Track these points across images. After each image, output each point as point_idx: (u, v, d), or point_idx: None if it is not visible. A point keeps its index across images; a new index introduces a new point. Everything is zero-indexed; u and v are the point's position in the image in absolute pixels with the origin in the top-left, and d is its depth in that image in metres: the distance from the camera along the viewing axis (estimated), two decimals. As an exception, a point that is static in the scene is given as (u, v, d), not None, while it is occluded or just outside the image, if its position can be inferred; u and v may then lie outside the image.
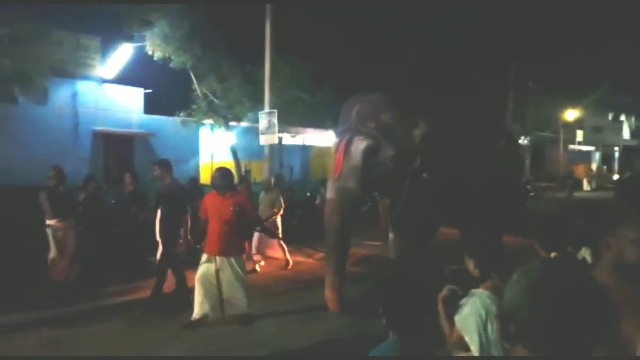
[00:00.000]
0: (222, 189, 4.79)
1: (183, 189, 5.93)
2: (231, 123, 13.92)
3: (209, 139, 15.47)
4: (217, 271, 4.72)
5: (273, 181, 7.90)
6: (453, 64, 18.98)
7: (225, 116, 13.51)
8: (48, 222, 5.73)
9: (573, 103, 25.85)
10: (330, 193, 4.97)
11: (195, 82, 13.06)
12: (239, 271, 4.79)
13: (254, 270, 7.00)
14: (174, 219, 5.52)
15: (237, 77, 13.09)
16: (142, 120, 14.61)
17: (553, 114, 26.10)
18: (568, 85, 22.92)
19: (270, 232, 6.27)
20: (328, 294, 4.82)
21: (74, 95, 13.14)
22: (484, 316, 2.19)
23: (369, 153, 4.75)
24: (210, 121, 13.86)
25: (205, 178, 14.84)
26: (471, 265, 2.50)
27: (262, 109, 11.49)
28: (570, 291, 0.95)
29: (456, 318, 2.27)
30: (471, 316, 2.20)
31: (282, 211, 7.32)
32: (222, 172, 4.90)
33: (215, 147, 15.43)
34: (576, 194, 21.00)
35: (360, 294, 5.36)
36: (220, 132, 14.25)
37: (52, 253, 5.73)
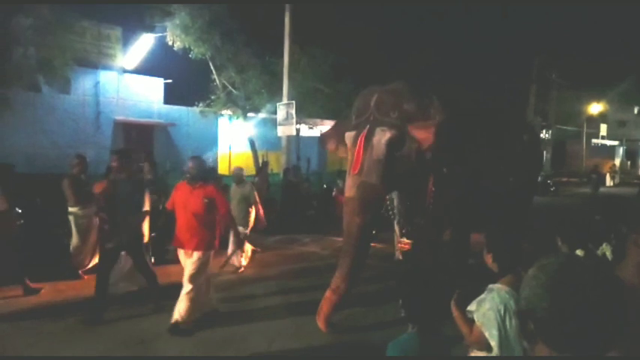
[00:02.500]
0: (193, 179, 4.45)
1: (142, 183, 5.29)
2: (250, 114, 13.98)
3: (227, 129, 15.58)
4: (184, 267, 4.42)
5: (244, 173, 7.14)
6: (475, 57, 18.69)
7: (243, 107, 13.58)
8: (70, 209, 5.85)
9: (597, 96, 25.28)
10: (349, 190, 4.40)
11: (214, 72, 13.13)
12: (197, 268, 4.35)
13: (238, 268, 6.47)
14: (137, 217, 4.88)
15: (256, 68, 13.12)
16: (161, 110, 14.78)
17: (576, 108, 25.59)
18: (592, 78, 22.42)
19: (238, 237, 5.40)
20: (324, 307, 4.30)
21: (96, 85, 13.36)
22: (502, 311, 2.19)
23: (393, 145, 4.29)
24: (229, 111, 13.95)
25: (223, 168, 14.97)
26: (489, 259, 2.49)
27: (280, 100, 11.52)
28: (590, 287, 0.94)
29: (476, 314, 2.26)
30: (491, 312, 2.20)
31: (259, 208, 6.69)
32: (196, 161, 4.56)
33: (233, 137, 15.53)
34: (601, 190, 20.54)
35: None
36: (238, 123, 14.33)
37: (75, 240, 5.84)
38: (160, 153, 13.53)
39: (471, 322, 2.31)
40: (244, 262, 6.59)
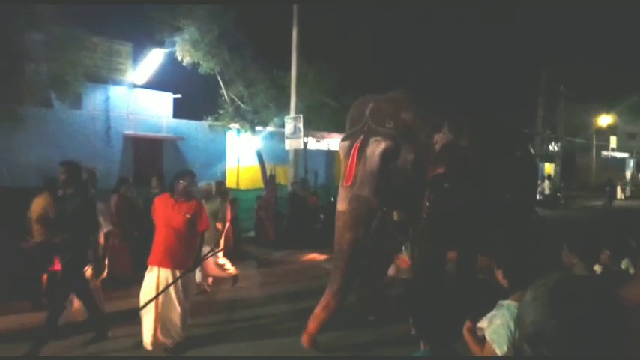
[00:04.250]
0: (183, 195, 4.25)
1: (92, 198, 4.71)
2: (258, 127, 14.07)
3: (235, 143, 15.68)
4: (157, 286, 4.09)
5: (214, 187, 6.76)
6: (479, 70, 18.74)
7: (251, 121, 13.68)
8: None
9: (606, 108, 25.13)
10: (341, 204, 4.18)
11: (222, 87, 13.27)
12: (180, 289, 4.14)
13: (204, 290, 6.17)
14: (82, 239, 4.36)
15: (264, 82, 13.24)
16: (170, 124, 14.92)
17: (585, 120, 25.44)
18: (601, 90, 22.33)
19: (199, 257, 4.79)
20: (311, 324, 4.08)
21: (106, 100, 13.54)
22: (514, 327, 2.16)
23: (388, 156, 4.09)
24: (237, 125, 14.05)
25: (231, 182, 15.03)
26: (499, 275, 2.47)
27: (288, 113, 11.59)
28: (590, 300, 0.94)
29: (487, 331, 2.24)
30: (502, 328, 2.18)
31: (227, 226, 6.47)
32: (192, 177, 4.40)
33: (241, 151, 15.62)
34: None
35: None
36: (246, 136, 14.42)
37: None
38: (169, 167, 13.63)
39: (481, 339, 2.28)
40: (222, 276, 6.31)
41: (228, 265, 6.26)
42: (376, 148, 4.09)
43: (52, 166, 11.18)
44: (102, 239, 4.58)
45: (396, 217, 4.71)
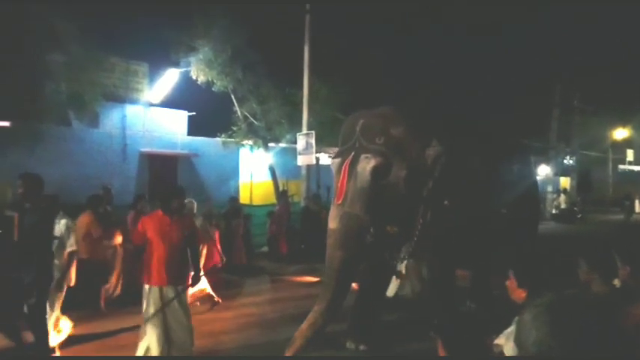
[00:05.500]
0: (174, 211, 4.28)
1: (49, 218, 4.19)
2: (270, 144, 14.23)
3: (249, 159, 15.84)
4: (164, 306, 4.12)
5: (195, 206, 6.45)
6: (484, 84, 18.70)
7: (264, 137, 13.85)
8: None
9: (622, 121, 24.81)
10: (332, 221, 4.14)
11: (236, 104, 13.49)
12: (185, 303, 4.27)
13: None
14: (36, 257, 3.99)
15: (276, 99, 13.43)
16: (185, 141, 15.15)
17: (601, 133, 25.11)
18: (616, 103, 22.08)
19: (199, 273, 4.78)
20: (297, 341, 3.95)
21: (123, 118, 13.84)
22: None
23: (378, 173, 4.01)
24: (250, 142, 14.23)
25: (245, 197, 15.15)
26: (513, 289, 2.48)
27: (300, 130, 11.71)
28: (594, 322, 0.95)
29: (505, 348, 2.23)
30: None
31: (204, 249, 6.16)
32: (178, 192, 4.46)
33: (254, 167, 15.76)
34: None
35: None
36: (259, 152, 14.58)
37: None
38: (183, 183, 13.80)
39: (499, 355, 2.26)
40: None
41: (208, 288, 6.11)
42: (366, 164, 4.03)
43: (71, 183, 11.47)
44: (65, 258, 4.33)
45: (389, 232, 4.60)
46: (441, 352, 1.78)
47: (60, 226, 4.30)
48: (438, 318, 2.05)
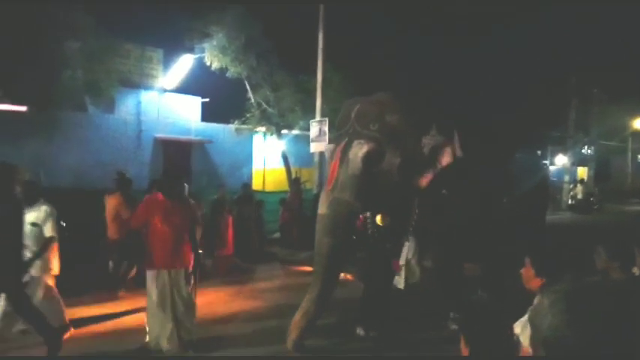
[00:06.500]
0: (176, 194, 4.33)
1: (19, 209, 3.89)
2: (283, 131, 14.24)
3: (262, 146, 15.89)
4: (171, 288, 4.17)
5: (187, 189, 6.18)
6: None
7: (277, 124, 13.85)
8: (111, 223, 6.12)
9: (642, 110, 24.22)
10: (321, 207, 4.08)
11: (249, 91, 13.49)
12: (187, 286, 4.33)
13: None
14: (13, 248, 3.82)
15: (290, 86, 13.39)
16: (199, 128, 15.23)
17: (620, 122, 24.56)
18: (636, 91, 21.53)
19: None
20: (293, 331, 4.01)
21: (138, 104, 13.95)
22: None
23: (370, 160, 3.92)
24: (263, 128, 14.25)
25: (258, 184, 15.23)
26: (529, 276, 2.46)
27: (313, 117, 11.68)
28: (610, 312, 0.95)
29: (522, 337, 2.22)
30: None
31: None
32: (176, 176, 4.48)
33: (267, 154, 15.82)
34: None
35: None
36: (272, 139, 14.60)
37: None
38: (197, 169, 13.95)
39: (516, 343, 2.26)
40: None
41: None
42: (358, 151, 3.95)
43: (87, 169, 11.66)
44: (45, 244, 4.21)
45: (380, 223, 4.56)
46: (464, 349, 1.71)
47: (40, 213, 4.23)
48: (457, 311, 2.04)
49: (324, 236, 4.02)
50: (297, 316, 4.04)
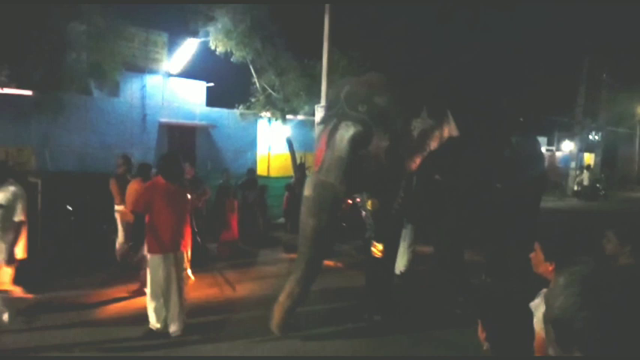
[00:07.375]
0: (178, 178, 4.38)
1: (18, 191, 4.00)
2: (288, 116, 14.18)
3: (267, 131, 15.85)
4: (174, 271, 4.19)
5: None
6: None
7: (282, 109, 13.78)
8: (117, 207, 6.15)
9: (652, 97, 23.92)
10: (307, 189, 4.02)
11: (254, 75, 13.41)
12: (182, 268, 4.33)
13: None
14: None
15: (295, 71, 13.29)
16: (203, 112, 15.23)
17: (629, 109, 24.27)
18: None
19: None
20: (277, 313, 4.00)
21: (143, 88, 13.94)
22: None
23: (357, 142, 3.85)
24: (268, 113, 14.19)
25: (262, 169, 15.25)
26: (539, 262, 2.46)
27: (319, 102, 11.60)
28: (625, 295, 0.95)
29: (534, 321, 2.21)
30: None
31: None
32: (176, 159, 4.44)
33: (272, 139, 15.79)
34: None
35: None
36: (277, 124, 14.56)
37: (120, 237, 6.15)
38: (201, 153, 13.97)
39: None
40: None
41: None
42: (345, 133, 3.88)
43: (92, 151, 11.72)
44: (13, 229, 4.00)
45: (370, 207, 4.51)
46: (481, 333, 1.67)
47: (7, 193, 3.99)
48: (461, 295, 2.03)
49: (308, 218, 3.98)
50: (282, 298, 4.01)
